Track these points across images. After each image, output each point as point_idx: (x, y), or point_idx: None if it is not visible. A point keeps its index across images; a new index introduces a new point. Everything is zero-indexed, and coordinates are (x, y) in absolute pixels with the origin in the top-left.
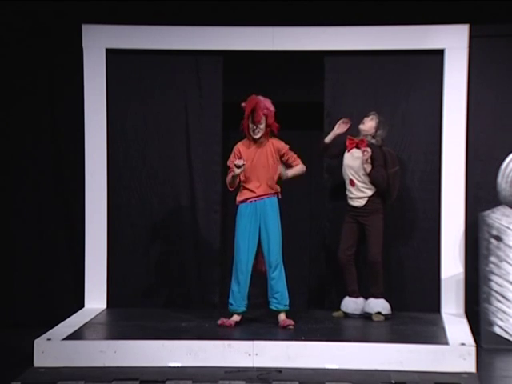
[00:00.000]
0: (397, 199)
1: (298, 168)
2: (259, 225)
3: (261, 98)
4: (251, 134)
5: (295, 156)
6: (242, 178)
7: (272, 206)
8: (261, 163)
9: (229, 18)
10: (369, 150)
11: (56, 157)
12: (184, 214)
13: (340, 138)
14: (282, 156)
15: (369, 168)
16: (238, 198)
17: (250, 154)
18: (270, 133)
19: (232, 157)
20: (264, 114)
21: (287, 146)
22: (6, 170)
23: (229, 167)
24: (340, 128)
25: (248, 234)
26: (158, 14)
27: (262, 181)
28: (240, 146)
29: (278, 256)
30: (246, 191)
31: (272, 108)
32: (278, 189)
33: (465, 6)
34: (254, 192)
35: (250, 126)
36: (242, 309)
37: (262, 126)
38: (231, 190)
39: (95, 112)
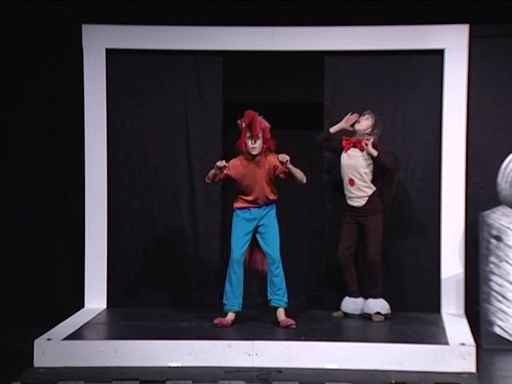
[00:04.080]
0: (397, 199)
1: (300, 172)
2: (256, 225)
3: (256, 113)
4: (249, 151)
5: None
6: (241, 189)
7: (271, 208)
8: (257, 182)
9: (229, 18)
10: (369, 137)
11: (56, 157)
12: (184, 213)
13: (340, 134)
14: (278, 170)
15: (375, 152)
16: (236, 205)
17: (243, 170)
18: (267, 150)
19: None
20: (261, 128)
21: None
22: (5, 170)
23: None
24: (348, 122)
25: (242, 235)
26: (158, 13)
27: (260, 196)
28: (234, 161)
29: (279, 253)
30: (244, 202)
31: (267, 124)
32: (276, 197)
33: (465, 6)
34: (252, 204)
35: (248, 142)
36: (236, 308)
37: (260, 142)
38: (208, 181)
39: (95, 112)
